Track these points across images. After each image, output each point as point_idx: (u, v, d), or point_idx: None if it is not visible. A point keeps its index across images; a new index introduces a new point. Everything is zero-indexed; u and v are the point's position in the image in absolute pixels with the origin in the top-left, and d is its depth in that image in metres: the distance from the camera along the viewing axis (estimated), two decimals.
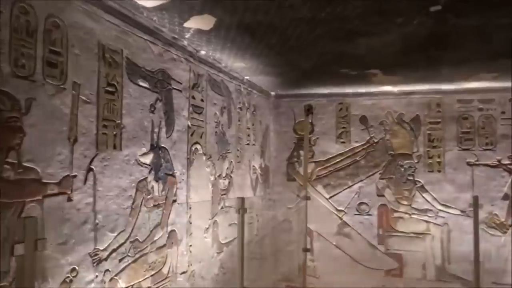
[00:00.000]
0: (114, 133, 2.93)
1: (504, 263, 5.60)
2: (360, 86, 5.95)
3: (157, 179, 3.44)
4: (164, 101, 3.54)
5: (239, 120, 5.24)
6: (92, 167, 2.71)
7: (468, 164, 5.79)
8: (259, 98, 5.97)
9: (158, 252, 3.45)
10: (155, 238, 3.41)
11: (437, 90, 5.88)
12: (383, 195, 6.09)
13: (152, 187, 3.38)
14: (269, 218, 6.39)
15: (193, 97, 4.06)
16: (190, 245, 3.97)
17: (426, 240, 5.92)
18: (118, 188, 2.96)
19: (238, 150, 5.21)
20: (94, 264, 2.72)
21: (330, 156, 6.32)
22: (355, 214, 6.18)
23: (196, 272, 4.09)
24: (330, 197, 6.29)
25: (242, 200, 3.83)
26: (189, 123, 3.97)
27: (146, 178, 3.30)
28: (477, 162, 5.76)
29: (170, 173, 3.64)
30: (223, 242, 4.68)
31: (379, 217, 6.09)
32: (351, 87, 6.03)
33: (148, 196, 3.32)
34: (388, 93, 6.06)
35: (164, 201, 3.54)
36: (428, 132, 5.96)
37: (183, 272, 3.85)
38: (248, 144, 5.56)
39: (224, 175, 4.77)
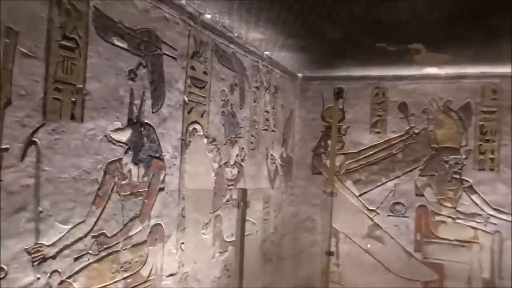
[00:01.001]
0: (73, 99, 2.33)
1: None
2: (400, 67, 5.11)
3: (136, 162, 2.83)
4: (150, 68, 2.93)
5: (254, 101, 4.56)
6: (35, 139, 2.13)
7: None
8: (282, 79, 5.26)
9: (135, 250, 2.85)
10: (130, 233, 2.80)
11: (493, 73, 4.94)
12: (422, 195, 5.23)
13: (130, 171, 2.77)
14: (290, 214, 5.69)
15: (193, 68, 3.42)
16: (182, 243, 3.35)
17: (472, 249, 5.02)
18: (76, 169, 2.37)
19: (252, 135, 4.54)
20: (35, 263, 2.15)
21: (362, 148, 5.52)
22: (389, 215, 5.37)
23: (190, 275, 3.48)
24: (361, 195, 5.51)
25: (243, 192, 3.16)
26: (186, 98, 3.34)
27: (121, 159, 2.69)
28: None
29: (156, 155, 3.03)
30: (228, 240, 4.03)
31: (417, 220, 5.25)
32: (390, 68, 5.20)
33: (123, 182, 2.72)
34: (434, 76, 5.19)
35: (146, 189, 2.93)
36: (481, 123, 5.03)
37: (171, 274, 3.24)
38: (266, 129, 4.88)
39: (232, 162, 4.12)
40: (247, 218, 4.48)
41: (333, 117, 5.25)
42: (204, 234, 3.68)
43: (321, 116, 5.75)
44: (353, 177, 5.55)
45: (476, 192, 5.02)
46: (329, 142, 5.55)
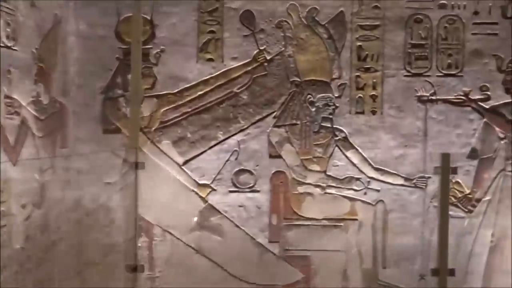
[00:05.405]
0: None
1: (468, 260, 3.45)
2: None
3: None
4: None
5: None
6: None
7: (420, 100, 3.43)
8: None
9: None
10: None
11: None
12: (279, 156, 3.44)
13: None
14: (68, 206, 3.29)
15: None
16: None
17: (349, 230, 3.47)
18: None
19: None
20: None
21: (186, 86, 3.41)
22: (231, 191, 3.44)
23: None
24: (186, 162, 3.43)
25: None
26: None
27: None
28: (433, 97, 3.43)
29: None
30: None
31: (272, 195, 3.46)
32: None
33: None
34: None
35: None
36: (358, 43, 3.41)
37: None
38: None
39: None
40: None
41: (132, 34, 3.06)
42: None
43: (115, 32, 3.40)
44: (172, 134, 3.43)
45: (353, 147, 3.44)
46: (130, 77, 3.27)
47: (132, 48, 3.06)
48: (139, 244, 3.31)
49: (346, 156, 3.44)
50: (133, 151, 3.12)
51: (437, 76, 3.41)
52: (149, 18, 3.33)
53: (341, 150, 3.44)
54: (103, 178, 3.38)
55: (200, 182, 3.43)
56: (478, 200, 3.44)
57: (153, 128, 3.40)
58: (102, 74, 3.39)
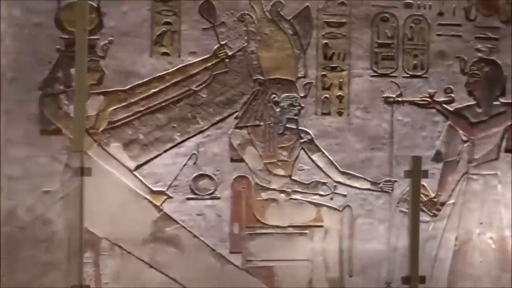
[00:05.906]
0: None
1: (432, 265, 3.39)
2: None
3: None
4: None
5: None
6: None
7: (387, 101, 3.32)
8: None
9: None
10: None
11: None
12: (242, 160, 3.19)
13: None
14: None
15: None
16: None
17: (314, 237, 3.29)
18: None
19: None
20: None
21: (139, 82, 3.07)
22: (189, 199, 3.14)
23: None
24: (138, 167, 3.08)
25: None
26: None
27: None
28: (399, 98, 3.34)
29: None
30: None
31: (234, 202, 3.19)
32: None
33: None
34: None
35: None
36: (325, 41, 3.24)
37: None
38: None
39: None
40: None
41: (77, 22, 2.72)
42: None
43: (55, 20, 2.98)
44: (122, 136, 3.07)
45: (319, 150, 3.26)
46: (73, 71, 2.89)
47: (77, 38, 2.72)
48: (84, 261, 2.93)
49: (312, 160, 3.26)
50: (77, 155, 2.76)
51: (403, 77, 3.33)
52: (95, 5, 2.96)
53: (306, 153, 3.25)
54: (40, 186, 2.94)
55: (154, 189, 3.09)
56: (443, 204, 3.40)
57: (100, 129, 3.01)
58: (39, 67, 2.95)
